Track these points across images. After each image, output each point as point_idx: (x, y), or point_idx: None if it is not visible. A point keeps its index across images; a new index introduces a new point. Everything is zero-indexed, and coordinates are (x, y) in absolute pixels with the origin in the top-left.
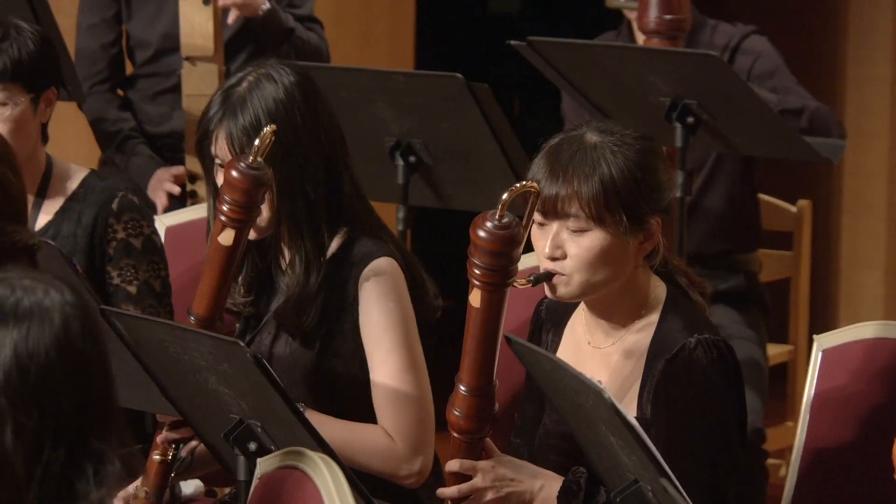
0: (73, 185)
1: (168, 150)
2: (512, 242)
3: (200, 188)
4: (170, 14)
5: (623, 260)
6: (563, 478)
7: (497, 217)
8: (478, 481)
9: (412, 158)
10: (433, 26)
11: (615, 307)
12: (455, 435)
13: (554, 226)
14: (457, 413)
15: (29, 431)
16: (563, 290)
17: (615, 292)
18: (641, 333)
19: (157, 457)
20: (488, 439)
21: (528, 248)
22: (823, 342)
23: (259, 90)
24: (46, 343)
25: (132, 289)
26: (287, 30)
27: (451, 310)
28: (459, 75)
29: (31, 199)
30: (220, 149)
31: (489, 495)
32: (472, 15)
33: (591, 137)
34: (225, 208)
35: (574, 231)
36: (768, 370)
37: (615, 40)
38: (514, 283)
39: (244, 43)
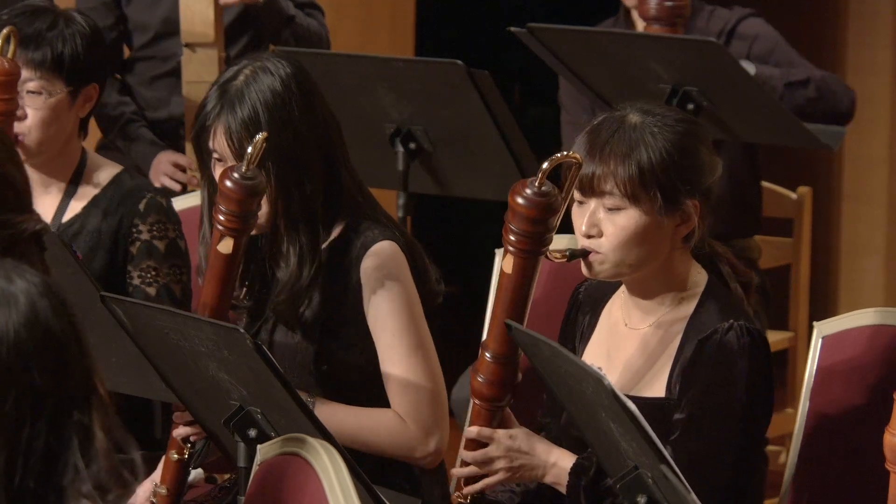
0: (103, 181)
1: (166, 135)
2: (549, 210)
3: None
4: None
5: (658, 240)
6: (576, 456)
7: (536, 184)
8: (492, 450)
9: (412, 145)
10: (433, 13)
11: (652, 288)
12: (476, 401)
13: (591, 204)
14: (480, 379)
15: (6, 411)
16: (598, 268)
17: (653, 273)
18: (678, 317)
19: (175, 456)
20: (508, 410)
21: (564, 228)
22: (823, 329)
23: (256, 83)
24: (15, 323)
25: (151, 290)
26: (287, 17)
27: (453, 296)
28: (460, 62)
29: (62, 190)
30: (219, 143)
31: (501, 464)
32: (472, 1)
33: (633, 118)
34: (221, 218)
35: (610, 209)
36: None
37: (613, 27)
38: (551, 257)
39: (244, 29)
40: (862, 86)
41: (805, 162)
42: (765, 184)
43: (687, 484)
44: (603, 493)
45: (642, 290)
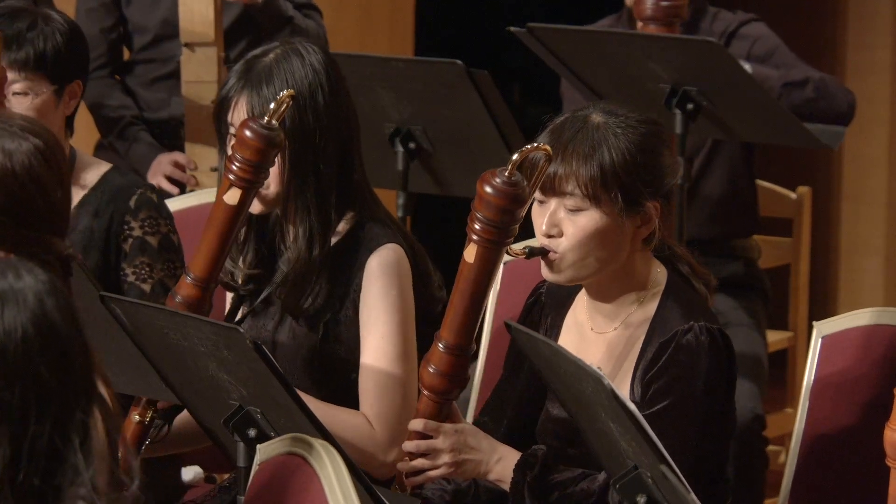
0: (93, 179)
1: (166, 136)
2: (517, 200)
3: (200, 175)
4: (169, 0)
5: (618, 242)
6: (520, 453)
7: (507, 174)
8: (438, 442)
9: (412, 145)
10: (433, 12)
11: (613, 291)
12: (425, 392)
13: (552, 203)
14: (431, 370)
15: (13, 406)
16: (556, 270)
17: (612, 275)
18: (641, 318)
19: (136, 417)
20: (455, 405)
21: (527, 234)
22: (823, 329)
23: (286, 63)
24: (23, 321)
25: (146, 287)
26: (286, 18)
27: None
28: (459, 62)
29: None
30: (238, 117)
31: (445, 458)
32: (472, 1)
33: (596, 118)
34: (234, 167)
35: (571, 210)
36: (768, 357)
37: (615, 26)
38: (511, 252)
39: (244, 31)
40: (862, 86)
41: (805, 162)
42: (764, 184)
43: (687, 483)
44: (550, 488)
45: (602, 294)
